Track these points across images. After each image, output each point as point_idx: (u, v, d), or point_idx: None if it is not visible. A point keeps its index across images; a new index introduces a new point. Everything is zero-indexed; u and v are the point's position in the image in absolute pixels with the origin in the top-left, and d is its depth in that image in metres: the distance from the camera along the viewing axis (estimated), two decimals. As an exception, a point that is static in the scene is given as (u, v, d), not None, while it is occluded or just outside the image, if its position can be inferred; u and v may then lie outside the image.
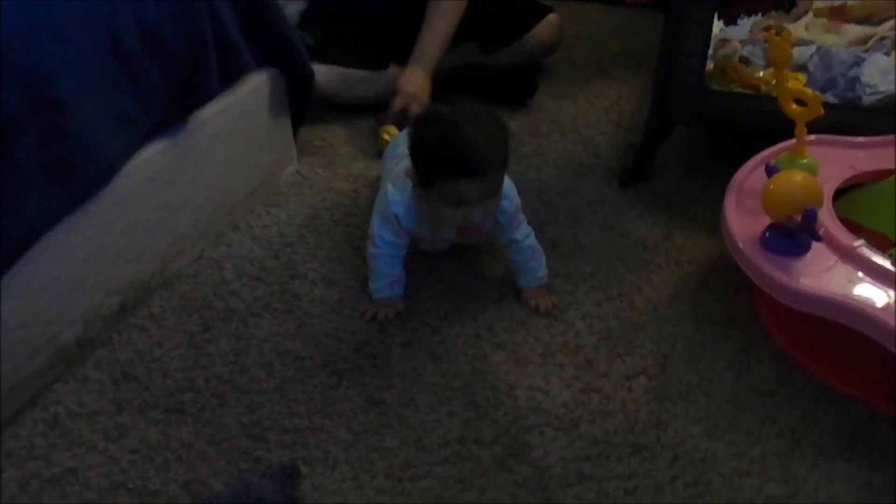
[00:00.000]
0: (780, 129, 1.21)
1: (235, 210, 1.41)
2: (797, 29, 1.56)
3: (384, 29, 1.77)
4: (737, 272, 1.15)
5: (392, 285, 1.22)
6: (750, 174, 1.23)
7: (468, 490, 0.96)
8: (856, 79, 1.39)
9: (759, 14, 1.62)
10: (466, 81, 1.77)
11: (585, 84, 1.91)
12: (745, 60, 1.50)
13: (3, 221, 0.95)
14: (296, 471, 0.97)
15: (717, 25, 1.56)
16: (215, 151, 1.33)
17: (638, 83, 1.90)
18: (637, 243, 1.37)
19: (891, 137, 1.27)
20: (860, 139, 1.29)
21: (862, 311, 0.97)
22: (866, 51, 1.46)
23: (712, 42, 1.45)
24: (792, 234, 1.07)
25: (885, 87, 1.35)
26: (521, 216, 1.21)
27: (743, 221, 1.14)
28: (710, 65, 1.44)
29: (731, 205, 1.17)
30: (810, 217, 1.03)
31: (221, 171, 1.36)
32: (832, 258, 1.06)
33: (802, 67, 1.44)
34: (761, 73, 1.44)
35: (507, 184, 1.16)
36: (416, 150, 1.11)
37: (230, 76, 1.31)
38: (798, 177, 1.08)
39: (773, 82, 1.23)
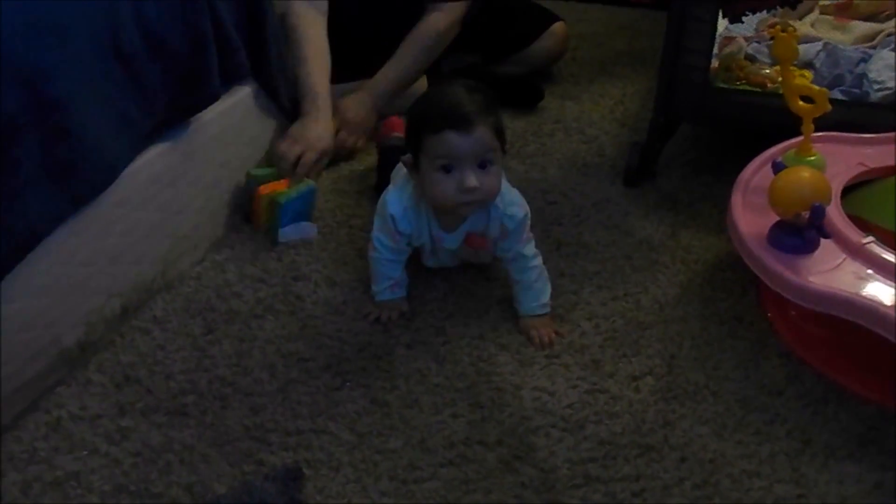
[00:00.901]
0: (787, 126, 1.20)
1: (238, 212, 1.41)
2: (803, 26, 1.54)
3: (369, 42, 1.73)
4: (744, 270, 1.14)
5: (393, 288, 1.21)
6: (756, 172, 1.22)
7: (473, 492, 0.95)
8: (863, 75, 1.38)
9: (765, 11, 1.61)
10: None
11: (590, 83, 1.91)
12: (750, 58, 1.49)
13: (4, 223, 0.94)
14: (299, 473, 0.96)
15: (723, 23, 1.56)
16: (217, 153, 1.32)
17: (642, 82, 1.89)
18: (643, 242, 1.36)
19: (899, 134, 1.26)
20: (868, 136, 1.28)
21: (871, 309, 0.96)
22: (873, 47, 1.45)
23: (717, 40, 1.44)
24: (800, 232, 1.06)
25: (892, 83, 1.34)
26: (531, 234, 1.18)
27: (750, 219, 1.13)
28: (715, 63, 1.43)
29: (737, 202, 1.16)
30: (818, 214, 1.02)
31: (223, 173, 1.35)
32: (841, 255, 1.05)
33: (809, 64, 1.43)
34: (767, 71, 1.43)
35: (516, 192, 1.16)
36: (408, 123, 1.12)
37: (230, 77, 1.31)
38: (805, 173, 1.07)
39: (780, 79, 1.22)
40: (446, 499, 0.94)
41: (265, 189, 1.34)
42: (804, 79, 1.20)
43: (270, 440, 1.01)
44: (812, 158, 1.19)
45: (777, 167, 1.10)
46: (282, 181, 1.37)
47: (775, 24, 1.26)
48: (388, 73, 1.59)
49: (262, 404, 1.06)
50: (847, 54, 1.41)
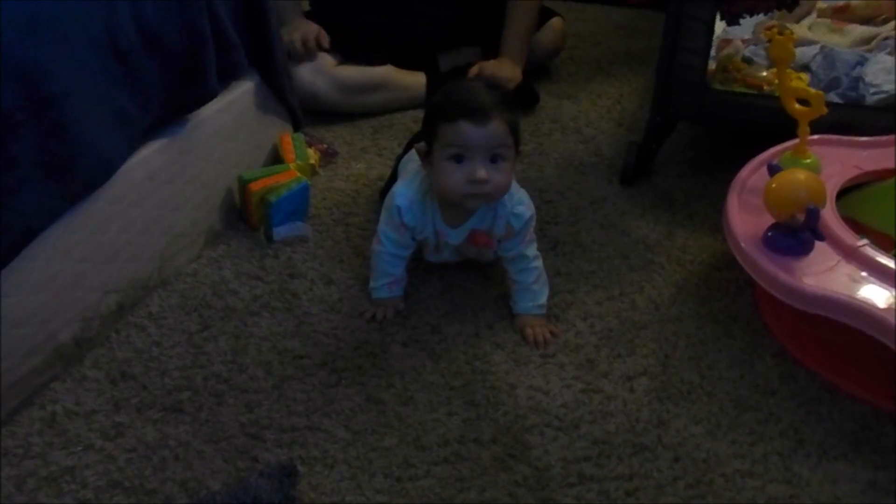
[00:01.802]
0: (783, 128, 1.21)
1: (234, 209, 1.41)
2: (801, 29, 1.55)
3: (382, 31, 1.75)
4: (739, 271, 1.15)
5: (392, 286, 1.21)
6: (752, 173, 1.23)
7: (467, 490, 0.95)
8: (859, 78, 1.38)
9: (762, 14, 1.61)
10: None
11: (587, 83, 1.91)
12: (748, 60, 1.50)
13: (0, 218, 0.94)
14: (293, 470, 0.96)
15: (720, 26, 1.56)
16: (214, 150, 1.32)
17: (639, 82, 1.90)
18: (638, 242, 1.37)
19: (894, 137, 1.26)
20: (864, 139, 1.28)
21: (865, 311, 0.96)
22: (870, 50, 1.46)
23: (715, 42, 1.45)
24: (795, 234, 1.06)
25: (888, 86, 1.35)
26: (533, 236, 1.18)
27: (745, 220, 1.13)
28: (712, 64, 1.43)
29: (733, 204, 1.17)
30: (813, 216, 1.02)
31: (220, 170, 1.35)
32: (835, 257, 1.05)
33: (806, 67, 1.44)
34: (764, 73, 1.43)
35: (524, 193, 1.17)
36: (426, 113, 1.14)
37: (228, 74, 1.31)
38: (801, 176, 1.07)
39: (776, 82, 1.22)
40: (440, 496, 0.94)
41: (256, 186, 1.34)
42: (801, 81, 1.20)
43: (265, 437, 1.01)
44: (808, 161, 1.20)
45: (773, 169, 1.11)
46: (272, 177, 1.37)
47: (772, 26, 1.26)
48: (512, 39, 1.74)
49: (258, 401, 1.06)
50: (844, 57, 1.41)
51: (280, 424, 1.03)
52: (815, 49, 1.45)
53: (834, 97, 1.37)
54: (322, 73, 1.65)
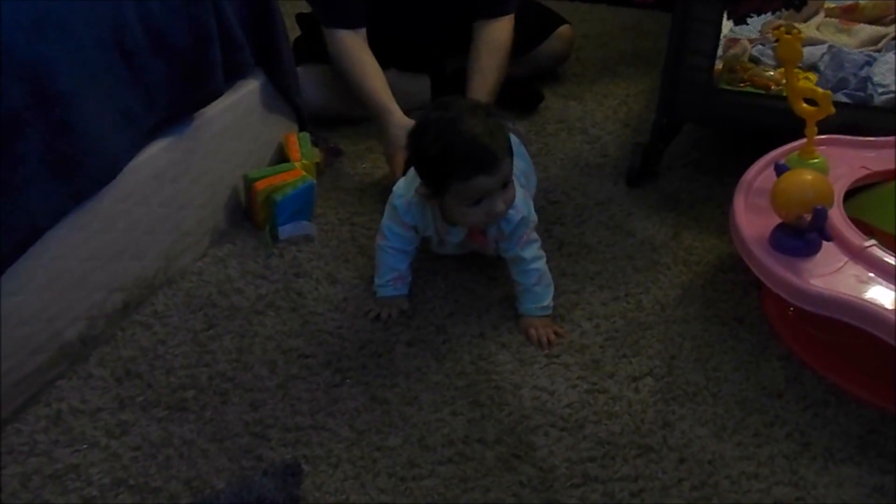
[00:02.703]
0: (790, 128, 1.20)
1: (240, 208, 1.41)
2: (808, 29, 1.54)
3: (387, 38, 1.74)
4: (745, 272, 1.14)
5: (396, 283, 1.21)
6: (759, 174, 1.22)
7: (471, 490, 0.95)
8: (867, 78, 1.37)
9: (769, 13, 1.61)
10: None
11: (593, 84, 1.90)
12: (755, 60, 1.49)
13: (6, 217, 0.94)
14: (298, 469, 0.96)
15: (727, 25, 1.55)
16: (219, 149, 1.32)
17: (645, 83, 1.89)
18: (644, 243, 1.36)
19: (902, 137, 1.26)
20: (871, 139, 1.27)
21: (872, 312, 0.96)
22: (878, 50, 1.45)
23: (722, 41, 1.44)
24: (802, 234, 1.05)
25: (896, 86, 1.34)
26: (535, 236, 1.18)
27: (752, 221, 1.12)
28: (719, 64, 1.43)
29: (739, 204, 1.16)
30: (820, 216, 1.02)
31: (226, 169, 1.35)
32: (842, 258, 1.04)
33: (813, 67, 1.43)
34: (771, 73, 1.42)
35: (520, 195, 1.15)
36: (421, 162, 1.09)
37: (233, 74, 1.31)
38: (808, 176, 1.07)
39: (784, 82, 1.21)
40: (445, 496, 0.94)
41: (261, 185, 1.34)
42: (808, 81, 1.20)
43: (270, 436, 1.01)
44: (815, 161, 1.19)
45: (780, 169, 1.10)
46: (278, 176, 1.37)
47: (780, 26, 1.26)
48: (480, 95, 1.57)
49: (262, 400, 1.06)
50: (852, 57, 1.41)
51: (284, 423, 1.03)
52: (822, 49, 1.44)
53: (842, 97, 1.36)
54: (325, 83, 1.65)
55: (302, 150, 1.46)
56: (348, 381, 1.10)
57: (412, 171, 1.17)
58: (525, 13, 1.82)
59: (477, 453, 0.99)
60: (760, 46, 1.51)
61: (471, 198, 1.07)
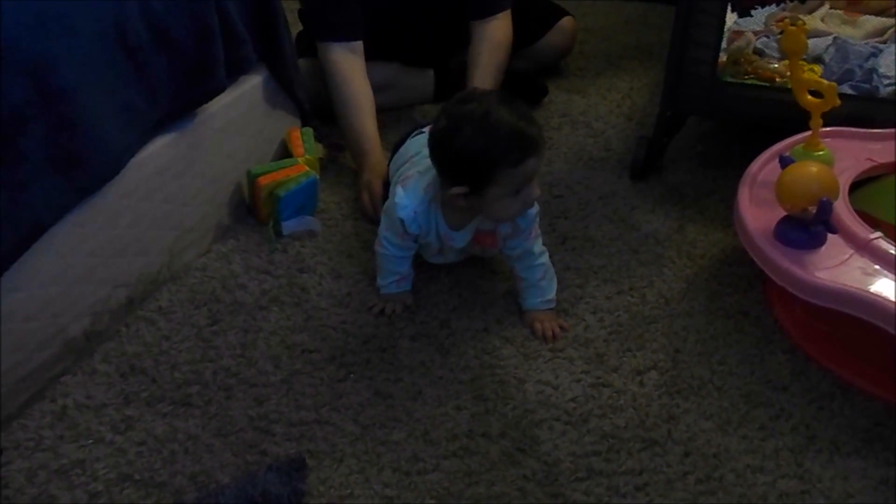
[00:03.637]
0: (795, 120, 1.20)
1: (243, 204, 1.41)
2: (813, 20, 1.53)
3: (391, 34, 1.72)
4: (750, 265, 1.14)
5: (399, 282, 1.21)
6: (764, 166, 1.22)
7: (476, 484, 0.95)
8: (873, 70, 1.37)
9: (774, 5, 1.60)
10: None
11: (597, 77, 1.90)
12: (759, 52, 1.48)
13: (10, 213, 0.94)
14: (302, 464, 0.96)
15: (731, 17, 1.54)
16: (222, 145, 1.32)
17: (650, 76, 1.88)
18: (648, 237, 1.36)
19: (908, 129, 1.25)
20: (877, 131, 1.27)
21: (878, 304, 0.95)
22: (884, 42, 1.44)
23: (726, 34, 1.43)
24: (807, 227, 1.05)
25: (902, 78, 1.33)
26: (539, 231, 1.18)
27: (757, 214, 1.12)
28: (723, 57, 1.42)
29: (744, 197, 1.16)
30: (825, 209, 1.01)
31: (229, 165, 1.35)
32: (848, 251, 1.04)
33: (818, 59, 1.42)
34: (776, 65, 1.42)
35: None
36: (461, 160, 1.05)
37: (236, 69, 1.31)
38: (813, 168, 1.06)
39: (788, 74, 1.21)
40: (449, 491, 0.94)
41: (265, 180, 1.34)
42: (813, 73, 1.19)
43: (274, 431, 1.01)
44: (820, 153, 1.18)
45: (785, 162, 1.10)
46: (281, 171, 1.37)
47: (784, 18, 1.25)
48: (482, 81, 1.56)
49: (267, 395, 1.07)
50: (857, 49, 1.40)
51: (289, 418, 1.03)
52: (827, 40, 1.44)
53: (847, 89, 1.35)
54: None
55: (305, 145, 1.46)
56: (352, 375, 1.10)
57: (412, 179, 1.14)
58: (527, 6, 1.81)
59: (481, 447, 0.99)
60: (765, 38, 1.50)
61: (520, 184, 1.05)
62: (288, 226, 1.34)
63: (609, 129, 1.68)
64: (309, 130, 1.50)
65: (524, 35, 1.81)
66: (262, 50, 1.38)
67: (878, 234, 1.04)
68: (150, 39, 1.11)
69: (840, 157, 1.20)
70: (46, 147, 0.97)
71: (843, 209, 1.08)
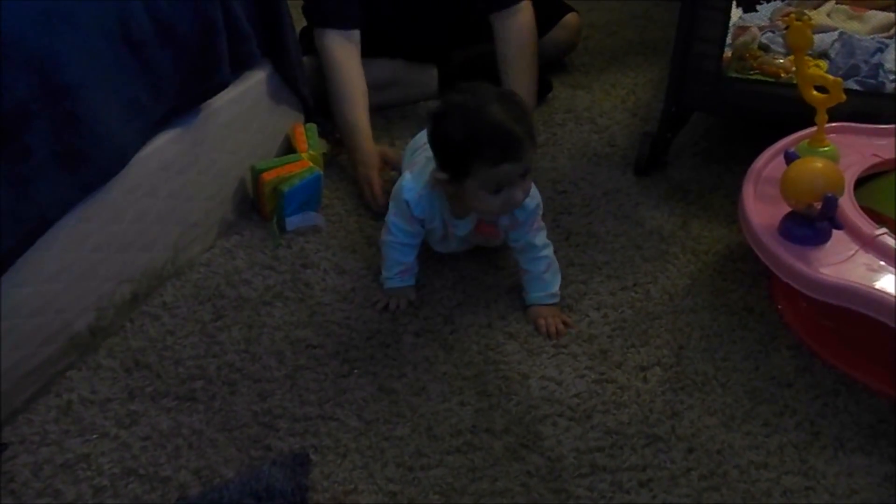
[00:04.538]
0: (801, 116, 1.19)
1: (247, 199, 1.41)
2: (819, 15, 1.52)
3: (391, 26, 1.72)
4: (754, 262, 1.13)
5: (403, 275, 1.21)
6: (768, 162, 1.21)
7: (479, 479, 0.95)
8: (879, 65, 1.36)
9: (779, 0, 1.59)
10: (482, 73, 1.74)
11: (601, 73, 1.89)
12: (764, 48, 1.47)
13: (15, 208, 0.95)
14: (306, 459, 0.96)
15: (736, 12, 1.54)
16: (227, 140, 1.32)
17: (654, 72, 1.88)
18: (653, 232, 1.36)
19: (914, 125, 1.24)
20: (883, 126, 1.26)
21: (883, 300, 0.95)
22: (890, 37, 1.43)
23: (731, 29, 1.43)
24: (811, 223, 1.05)
25: (908, 73, 1.32)
26: (542, 224, 1.18)
27: (761, 210, 1.12)
28: (728, 52, 1.42)
29: (749, 193, 1.15)
30: (831, 205, 1.01)
31: (233, 160, 1.35)
32: (853, 247, 1.04)
33: (824, 55, 1.42)
34: (781, 60, 1.41)
35: (530, 182, 1.14)
36: (444, 146, 1.07)
37: (240, 65, 1.31)
38: (818, 164, 1.06)
39: (794, 69, 1.20)
40: (453, 486, 0.94)
41: (269, 175, 1.34)
42: (819, 69, 1.18)
43: (278, 426, 1.02)
44: (825, 149, 1.18)
45: (790, 157, 1.09)
46: (285, 167, 1.37)
47: (790, 13, 1.25)
48: (522, 91, 1.50)
49: (271, 390, 1.07)
50: (863, 44, 1.39)
51: (293, 413, 1.03)
52: (833, 36, 1.43)
53: (853, 84, 1.34)
54: None
55: (309, 140, 1.46)
56: (356, 371, 1.10)
57: (419, 165, 1.16)
58: (532, 2, 1.81)
59: (485, 443, 0.99)
60: (770, 34, 1.50)
61: (493, 185, 1.05)
62: (292, 221, 1.34)
63: (613, 124, 1.68)
64: (313, 126, 1.50)
65: None
66: (266, 46, 1.38)
67: (884, 230, 1.04)
68: (154, 35, 1.11)
69: (845, 152, 1.19)
70: (51, 142, 0.98)
71: (848, 205, 1.07)
